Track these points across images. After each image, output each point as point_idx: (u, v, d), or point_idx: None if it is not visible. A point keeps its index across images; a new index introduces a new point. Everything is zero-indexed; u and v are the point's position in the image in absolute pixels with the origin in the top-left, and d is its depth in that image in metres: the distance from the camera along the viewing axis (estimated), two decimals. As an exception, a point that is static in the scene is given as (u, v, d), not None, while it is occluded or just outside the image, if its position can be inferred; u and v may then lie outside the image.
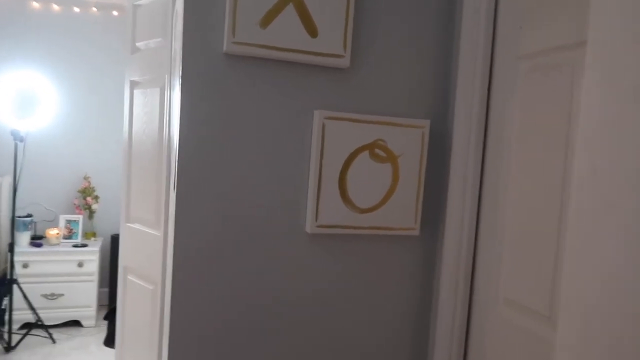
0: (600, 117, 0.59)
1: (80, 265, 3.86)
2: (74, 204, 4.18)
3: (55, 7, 4.09)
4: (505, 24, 1.34)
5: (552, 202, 1.15)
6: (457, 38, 1.46)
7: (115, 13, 4.19)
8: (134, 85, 2.25)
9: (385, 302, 1.50)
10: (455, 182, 1.43)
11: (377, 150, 1.40)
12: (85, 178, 4.18)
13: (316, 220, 1.38)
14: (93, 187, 4.19)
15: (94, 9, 4.16)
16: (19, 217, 3.80)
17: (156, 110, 2.08)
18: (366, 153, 1.39)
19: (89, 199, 4.13)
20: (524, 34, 1.27)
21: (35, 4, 4.04)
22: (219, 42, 1.30)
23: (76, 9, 4.13)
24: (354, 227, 1.41)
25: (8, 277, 3.44)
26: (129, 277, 2.35)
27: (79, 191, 4.16)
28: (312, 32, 1.31)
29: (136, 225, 2.29)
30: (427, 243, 1.52)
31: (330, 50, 1.33)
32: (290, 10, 1.29)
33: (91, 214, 4.17)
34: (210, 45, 1.30)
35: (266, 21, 1.28)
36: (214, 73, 1.31)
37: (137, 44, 2.20)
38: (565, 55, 1.13)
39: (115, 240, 3.81)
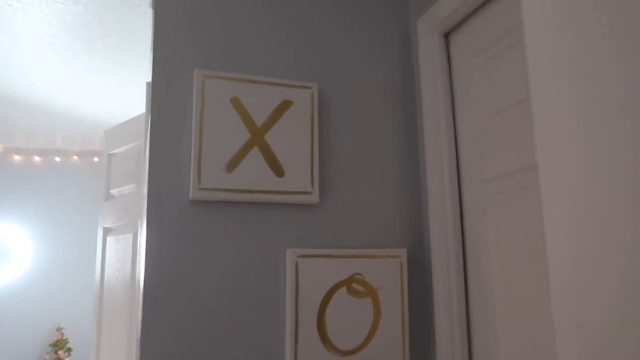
0: (569, 262, 0.55)
1: None
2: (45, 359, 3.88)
3: (37, 158, 4.19)
4: (466, 149, 1.37)
5: (544, 319, 1.07)
6: (423, 165, 1.48)
7: (96, 159, 4.30)
8: (107, 232, 2.21)
9: None
10: (441, 309, 1.35)
11: (355, 285, 1.34)
12: (59, 329, 3.94)
13: (296, 369, 1.26)
14: (66, 339, 3.92)
15: (75, 157, 4.27)
16: (-17, 380, 3.48)
17: (129, 256, 2.02)
18: (344, 289, 1.33)
19: (60, 352, 3.84)
20: (486, 158, 1.29)
21: (17, 157, 4.14)
22: (185, 188, 1.29)
23: (57, 159, 4.23)
24: (338, 373, 1.29)
25: None
26: None
27: (51, 345, 3.89)
28: (279, 172, 1.32)
29: (106, 383, 2.09)
30: (420, 383, 1.38)
31: (298, 187, 1.33)
32: (255, 153, 1.31)
33: (63, 369, 3.85)
34: (176, 192, 1.28)
35: (232, 165, 1.29)
36: (180, 219, 1.28)
37: (111, 191, 2.20)
38: (530, 176, 1.14)
39: (87, 398, 3.48)
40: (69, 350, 3.90)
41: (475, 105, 1.34)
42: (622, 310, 0.50)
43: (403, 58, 1.57)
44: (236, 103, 1.32)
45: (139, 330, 1.26)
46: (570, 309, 0.55)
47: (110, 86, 3.02)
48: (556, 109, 0.65)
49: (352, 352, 1.30)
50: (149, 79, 1.60)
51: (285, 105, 1.35)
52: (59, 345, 3.87)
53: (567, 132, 0.62)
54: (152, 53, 1.38)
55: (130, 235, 2.02)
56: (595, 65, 0.61)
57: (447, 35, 1.46)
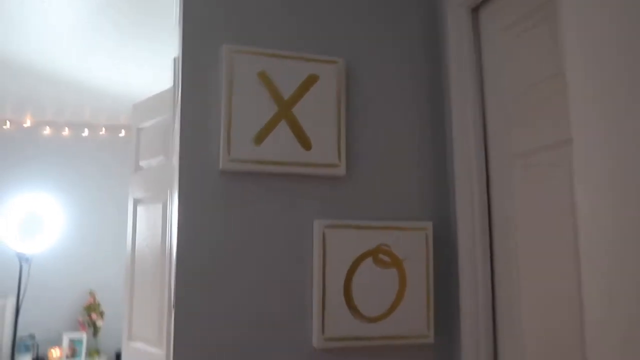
0: (603, 233, 0.56)
1: (83, 388, 3.66)
2: (79, 321, 4.06)
3: (66, 131, 4.28)
4: (495, 125, 1.37)
5: (569, 295, 1.09)
6: (450, 139, 1.48)
7: (122, 133, 4.38)
8: (137, 202, 2.28)
9: (405, 419, 1.38)
10: (466, 282, 1.38)
11: (381, 256, 1.37)
12: (90, 293, 4.11)
13: (323, 333, 1.31)
14: (98, 303, 4.09)
15: (103, 130, 4.36)
16: (21, 337, 3.68)
17: (159, 225, 2.08)
18: (370, 259, 1.36)
19: (93, 315, 4.02)
20: (514, 133, 1.29)
21: (47, 130, 4.24)
22: (215, 160, 1.32)
23: (85, 132, 4.32)
24: (364, 338, 1.34)
25: (6, 407, 3.25)
26: (132, 403, 2.21)
27: (84, 308, 4.07)
28: (306, 144, 1.34)
29: (138, 344, 2.19)
30: (443, 351, 1.43)
31: (325, 160, 1.35)
32: (283, 126, 1.33)
33: (96, 330, 4.04)
34: (206, 164, 1.32)
35: (260, 138, 1.31)
36: (211, 190, 1.32)
37: (141, 163, 2.26)
38: (559, 152, 1.14)
39: (120, 357, 3.64)
40: (101, 313, 4.07)
41: (504, 80, 1.33)
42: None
43: (430, 33, 1.55)
44: (264, 77, 1.33)
45: (173, 295, 1.32)
46: (601, 284, 0.56)
47: (135, 61, 3.05)
48: (592, 83, 0.65)
49: (378, 319, 1.35)
50: (176, 54, 1.62)
51: (311, 80, 1.36)
52: (92, 308, 4.04)
53: (602, 106, 0.62)
54: (180, 28, 1.40)
55: (160, 205, 2.09)
56: (633, 36, 0.61)
57: (475, 10, 1.44)
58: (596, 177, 0.61)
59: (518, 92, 1.28)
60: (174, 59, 1.75)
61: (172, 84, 1.82)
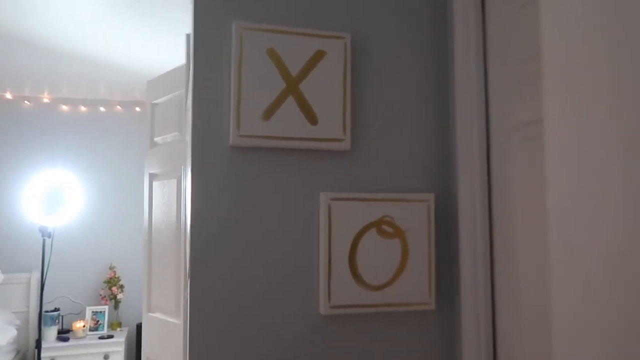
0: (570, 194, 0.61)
1: (106, 357, 3.83)
2: (100, 295, 4.23)
3: (83, 108, 4.38)
4: (496, 96, 1.40)
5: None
6: (453, 113, 1.52)
7: (137, 109, 4.46)
8: (152, 177, 2.36)
9: (408, 382, 1.45)
10: (466, 252, 1.43)
11: (384, 227, 1.42)
12: (111, 268, 4.26)
13: (329, 301, 1.38)
14: (118, 277, 4.24)
15: (118, 107, 4.45)
16: (47, 311, 3.85)
17: (173, 200, 2.16)
18: (374, 230, 1.42)
19: (114, 288, 4.17)
20: (515, 104, 1.32)
21: (65, 107, 4.34)
22: (225, 135, 1.38)
23: (102, 109, 4.41)
24: (368, 306, 1.40)
25: (35, 374, 3.42)
26: (152, 368, 2.32)
27: (105, 282, 4.22)
28: (312, 120, 1.39)
29: (157, 315, 2.30)
30: (444, 317, 1.49)
31: (331, 135, 1.40)
32: (290, 102, 1.38)
33: (117, 303, 4.20)
34: (217, 139, 1.38)
35: (268, 114, 1.36)
36: (222, 165, 1.37)
37: (155, 139, 2.33)
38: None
39: (140, 328, 3.80)
40: (121, 287, 4.22)
41: (506, 52, 1.35)
42: (617, 242, 0.56)
43: (437, 6, 1.57)
44: (272, 54, 1.37)
45: (188, 267, 1.39)
46: (567, 241, 0.61)
47: (149, 37, 3.10)
48: (564, 65, 0.68)
49: (381, 287, 1.41)
50: (188, 30, 1.67)
51: (319, 56, 1.40)
52: (112, 282, 4.19)
53: (571, 88, 0.66)
54: (192, 5, 1.44)
55: (175, 180, 2.16)
56: (604, 22, 0.64)
57: (481, -18, 1.45)
58: (564, 148, 0.65)
59: (519, 64, 1.30)
60: (187, 36, 1.80)
61: (185, 60, 1.87)
